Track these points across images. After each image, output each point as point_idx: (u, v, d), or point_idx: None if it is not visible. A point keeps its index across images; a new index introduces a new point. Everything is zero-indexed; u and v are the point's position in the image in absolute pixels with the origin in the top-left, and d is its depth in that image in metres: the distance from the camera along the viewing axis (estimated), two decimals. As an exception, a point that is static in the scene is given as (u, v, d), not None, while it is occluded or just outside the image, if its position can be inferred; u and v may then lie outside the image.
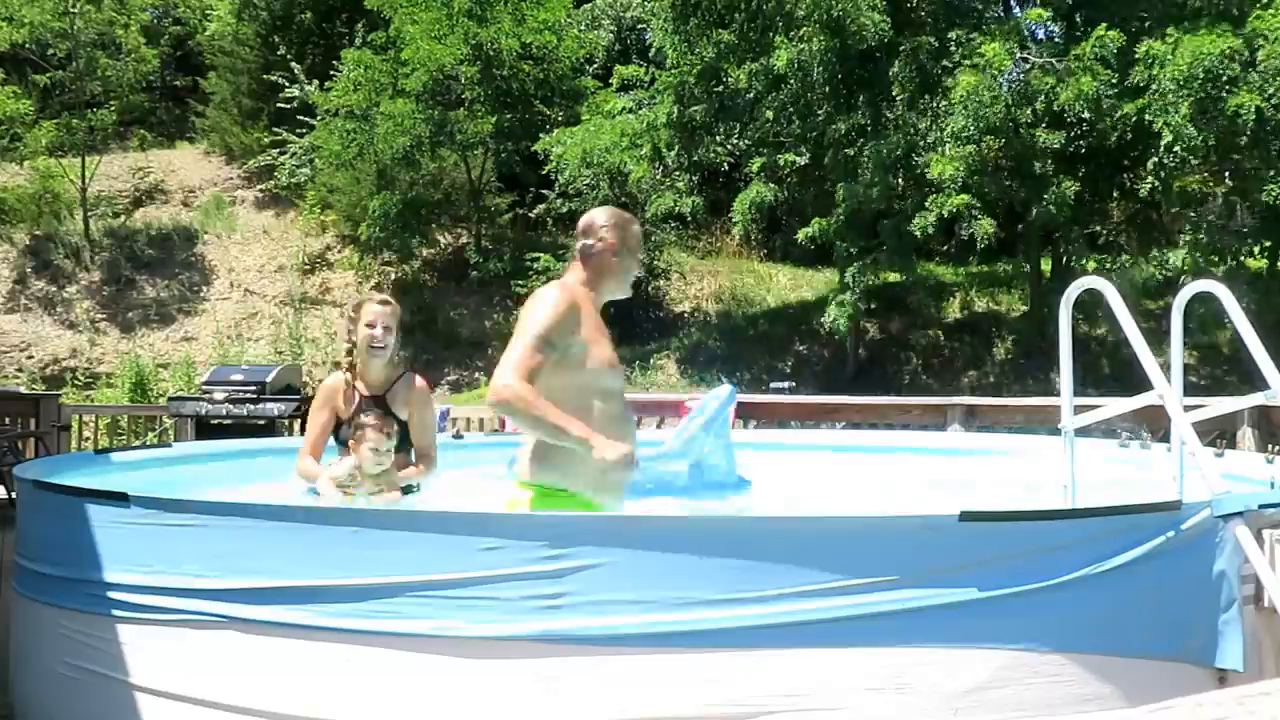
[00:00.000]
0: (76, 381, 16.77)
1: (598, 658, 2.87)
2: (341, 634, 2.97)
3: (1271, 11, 13.07)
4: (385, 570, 2.97)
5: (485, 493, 3.84)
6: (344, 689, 2.99)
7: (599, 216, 3.55)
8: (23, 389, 13.64)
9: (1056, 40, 16.31)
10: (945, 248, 16.20)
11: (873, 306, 16.36)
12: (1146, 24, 14.34)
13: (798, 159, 15.45)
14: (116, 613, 3.23)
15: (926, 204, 14.09)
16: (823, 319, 15.50)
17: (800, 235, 15.89)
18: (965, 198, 13.74)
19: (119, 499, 3.29)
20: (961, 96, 13.45)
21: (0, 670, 3.94)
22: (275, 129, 20.99)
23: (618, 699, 2.85)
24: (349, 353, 4.35)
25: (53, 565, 3.50)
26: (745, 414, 8.87)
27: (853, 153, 15.13)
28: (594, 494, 3.33)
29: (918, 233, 14.35)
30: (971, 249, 14.40)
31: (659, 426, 9.01)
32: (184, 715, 3.13)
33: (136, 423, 11.23)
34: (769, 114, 15.80)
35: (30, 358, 17.58)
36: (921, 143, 14.35)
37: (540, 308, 3.32)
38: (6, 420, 9.20)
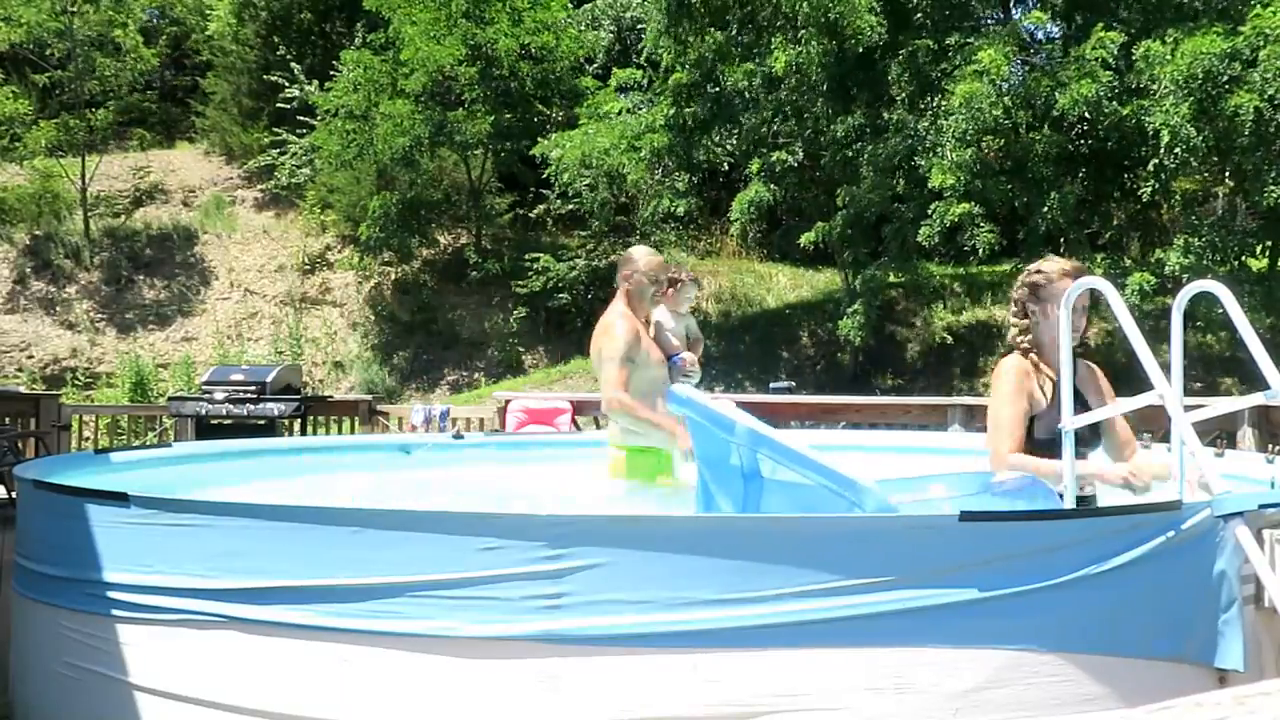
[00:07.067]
0: (76, 381, 16.76)
1: (598, 658, 2.87)
2: (341, 634, 2.97)
3: (1271, 10, 12.98)
4: (385, 570, 2.97)
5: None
6: (344, 689, 2.99)
7: (634, 255, 4.87)
8: (23, 389, 13.64)
9: (1054, 39, 16.27)
10: (946, 249, 16.17)
11: (875, 304, 16.35)
12: (1145, 25, 14.27)
13: (789, 157, 15.42)
14: (116, 613, 3.23)
15: (929, 212, 14.08)
16: (837, 332, 15.53)
17: (802, 240, 15.89)
18: (967, 206, 13.71)
19: (119, 499, 3.29)
20: (960, 103, 13.43)
21: (0, 670, 3.94)
22: (275, 129, 20.97)
23: (618, 699, 2.85)
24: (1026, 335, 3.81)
25: (53, 565, 3.50)
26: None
27: (852, 154, 15.11)
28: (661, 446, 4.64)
29: (924, 242, 14.36)
30: (972, 250, 14.36)
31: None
32: (184, 715, 3.13)
33: (136, 423, 11.23)
34: (766, 114, 15.78)
35: (30, 358, 17.57)
36: (921, 146, 14.33)
37: (612, 337, 4.62)
38: (6, 420, 9.21)
